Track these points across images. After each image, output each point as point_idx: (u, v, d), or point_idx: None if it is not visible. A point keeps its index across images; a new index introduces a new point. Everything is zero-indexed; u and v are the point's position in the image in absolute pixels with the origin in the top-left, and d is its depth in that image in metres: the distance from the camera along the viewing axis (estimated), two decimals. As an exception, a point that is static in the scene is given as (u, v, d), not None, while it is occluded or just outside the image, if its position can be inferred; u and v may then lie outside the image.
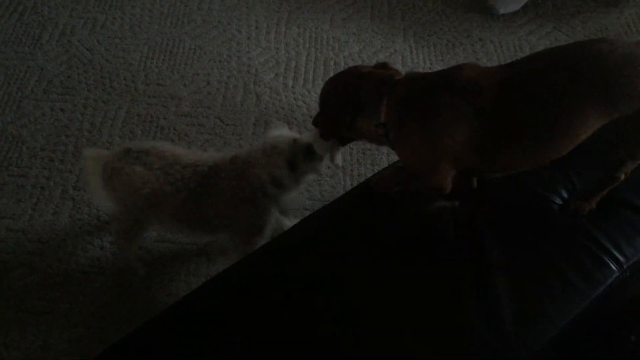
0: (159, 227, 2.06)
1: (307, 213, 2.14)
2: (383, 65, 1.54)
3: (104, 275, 2.09)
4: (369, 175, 1.91)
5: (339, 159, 1.70)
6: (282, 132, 1.85)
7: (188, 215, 1.82)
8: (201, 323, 1.43)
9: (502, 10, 3.01)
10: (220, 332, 1.40)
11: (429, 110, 1.36)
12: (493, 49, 2.91)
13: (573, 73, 1.28)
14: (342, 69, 1.62)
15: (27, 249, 2.17)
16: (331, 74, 2.75)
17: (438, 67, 2.78)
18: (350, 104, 1.46)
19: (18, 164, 2.44)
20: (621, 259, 1.47)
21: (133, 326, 1.86)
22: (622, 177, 1.52)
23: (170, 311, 1.50)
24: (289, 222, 2.15)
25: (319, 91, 2.70)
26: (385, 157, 2.46)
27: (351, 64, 2.82)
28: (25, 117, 2.62)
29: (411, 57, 2.87)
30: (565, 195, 1.63)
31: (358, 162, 2.45)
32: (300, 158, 1.75)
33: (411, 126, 1.39)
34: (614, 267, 1.46)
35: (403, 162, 1.57)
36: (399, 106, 1.40)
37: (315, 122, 1.63)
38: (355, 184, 2.33)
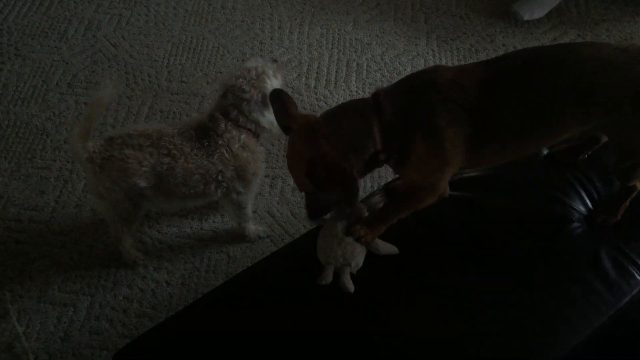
0: (155, 203, 1.97)
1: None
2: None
3: (126, 269, 2.11)
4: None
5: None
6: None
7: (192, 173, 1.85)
8: (222, 320, 1.44)
9: (526, 17, 2.99)
10: (242, 329, 1.41)
11: (426, 119, 1.29)
12: (516, 55, 2.89)
13: (551, 75, 1.27)
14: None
15: (49, 241, 2.20)
16: (353, 76, 2.77)
17: (461, 72, 2.77)
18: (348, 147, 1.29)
19: (42, 156, 2.46)
20: (647, 269, 1.46)
21: (155, 322, 1.89)
22: (639, 185, 1.50)
23: (190, 308, 1.52)
24: (252, 226, 2.15)
25: (341, 92, 2.72)
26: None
27: (374, 66, 2.82)
28: (49, 110, 2.65)
29: (434, 60, 2.87)
30: (587, 200, 1.62)
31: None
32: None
33: (418, 141, 1.30)
34: (639, 277, 1.45)
35: (409, 179, 1.43)
36: (395, 123, 1.30)
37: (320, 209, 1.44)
38: (375, 185, 2.33)
